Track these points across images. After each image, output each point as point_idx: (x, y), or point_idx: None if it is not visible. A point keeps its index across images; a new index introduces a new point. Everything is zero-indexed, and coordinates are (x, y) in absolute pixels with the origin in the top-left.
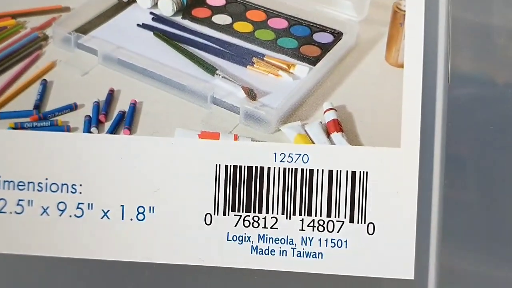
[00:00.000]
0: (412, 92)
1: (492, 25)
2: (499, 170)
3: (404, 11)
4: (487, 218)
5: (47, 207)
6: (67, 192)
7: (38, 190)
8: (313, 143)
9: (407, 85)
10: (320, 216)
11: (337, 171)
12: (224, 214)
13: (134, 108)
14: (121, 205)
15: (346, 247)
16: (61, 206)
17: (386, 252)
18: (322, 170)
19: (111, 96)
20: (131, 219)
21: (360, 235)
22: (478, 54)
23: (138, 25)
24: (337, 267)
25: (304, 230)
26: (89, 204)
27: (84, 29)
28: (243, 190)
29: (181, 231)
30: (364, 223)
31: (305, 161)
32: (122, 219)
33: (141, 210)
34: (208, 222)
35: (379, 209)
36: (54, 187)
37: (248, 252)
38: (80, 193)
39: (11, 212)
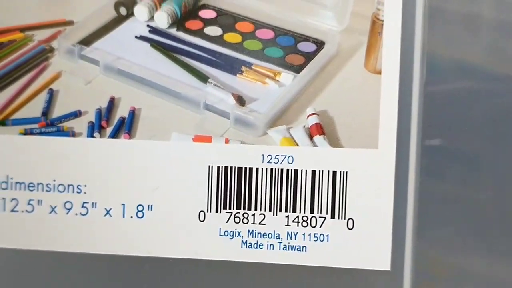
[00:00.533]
0: (389, 97)
1: (469, 36)
2: (473, 167)
3: (382, 21)
4: (461, 214)
5: (55, 206)
6: (73, 192)
7: (47, 191)
8: (298, 145)
9: (384, 90)
10: (304, 212)
11: (320, 171)
12: (217, 211)
13: (133, 114)
14: (122, 204)
15: (328, 241)
16: (68, 205)
17: (364, 245)
18: (306, 170)
19: (112, 103)
20: (131, 217)
21: (341, 230)
22: (453, 61)
23: (136, 37)
24: (320, 259)
25: (290, 225)
26: (93, 203)
27: (86, 41)
28: (234, 189)
29: (177, 227)
30: (344, 218)
31: (290, 162)
32: (123, 216)
33: (140, 208)
34: (202, 219)
35: (358, 206)
36: (61, 188)
37: (238, 246)
38: (85, 193)
39: (22, 211)
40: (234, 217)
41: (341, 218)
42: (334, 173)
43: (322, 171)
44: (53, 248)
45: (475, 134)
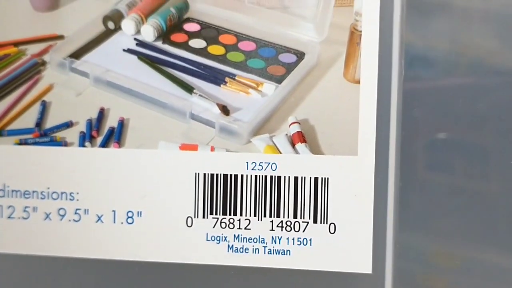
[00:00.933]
0: (368, 105)
1: (446, 44)
2: (451, 171)
3: (361, 32)
4: (440, 218)
5: (50, 213)
6: (66, 199)
7: (41, 198)
8: (280, 153)
9: (363, 99)
10: (288, 217)
11: (302, 177)
12: (203, 217)
13: (122, 124)
14: (113, 210)
15: (311, 245)
16: (61, 212)
17: (346, 249)
18: (289, 176)
19: (102, 114)
20: (122, 223)
21: (323, 234)
22: (431, 68)
23: (124, 50)
24: (303, 263)
25: (274, 230)
26: (85, 209)
27: (77, 55)
28: (220, 195)
29: (166, 232)
30: (326, 223)
31: (273, 169)
32: (114, 222)
33: (130, 214)
34: (189, 224)
35: (340, 211)
36: (55, 195)
37: (225, 250)
38: (77, 200)
39: (18, 218)
40: (221, 223)
41: (323, 223)
42: (316, 179)
43: (304, 177)
44: (48, 253)
45: (459, 134)
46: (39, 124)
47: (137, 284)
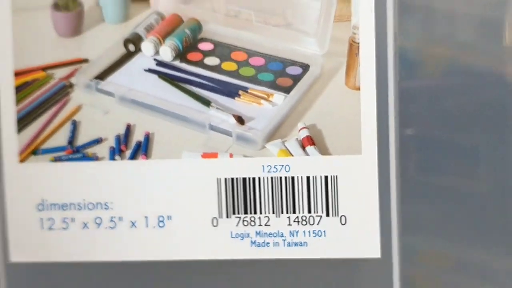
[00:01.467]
0: (368, 109)
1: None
2: (449, 163)
3: (358, 43)
4: (441, 206)
5: (87, 222)
6: (101, 208)
7: (78, 209)
8: (292, 155)
9: (363, 103)
10: (303, 212)
11: (313, 176)
12: (227, 217)
13: (148, 138)
14: (145, 216)
15: (325, 236)
16: (98, 220)
17: (356, 238)
18: (301, 176)
19: (128, 130)
20: (154, 227)
21: (335, 226)
22: (424, 74)
23: (144, 70)
24: (319, 252)
25: (291, 225)
26: (119, 217)
27: (101, 76)
28: (240, 196)
29: (194, 233)
30: (338, 216)
31: (287, 170)
32: (147, 227)
33: (161, 219)
34: (214, 224)
35: (349, 204)
36: (90, 206)
37: (248, 245)
38: (112, 208)
39: (58, 229)
40: (243, 221)
41: (335, 216)
42: (326, 177)
43: (315, 176)
44: (87, 259)
45: (449, 132)
46: (71, 141)
47: (172, 282)
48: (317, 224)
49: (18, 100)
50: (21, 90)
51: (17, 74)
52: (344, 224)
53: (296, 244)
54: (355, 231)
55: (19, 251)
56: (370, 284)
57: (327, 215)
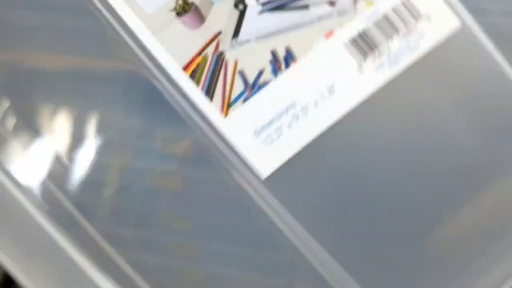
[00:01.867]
0: None
1: None
2: None
3: None
4: None
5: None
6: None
7: (279, 118)
8: None
9: None
10: None
11: None
12: None
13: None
14: None
15: None
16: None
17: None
18: None
19: (274, 54)
20: None
21: None
22: None
23: (259, 14)
24: None
25: None
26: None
27: (235, 35)
28: None
29: None
30: None
31: None
32: None
33: None
34: None
35: None
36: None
37: None
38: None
39: (276, 139)
40: None
41: None
42: None
43: None
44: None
45: None
46: (246, 84)
47: None
48: None
49: (197, 82)
50: (194, 76)
51: (184, 68)
52: None
53: None
54: None
55: (264, 168)
56: None
57: None
